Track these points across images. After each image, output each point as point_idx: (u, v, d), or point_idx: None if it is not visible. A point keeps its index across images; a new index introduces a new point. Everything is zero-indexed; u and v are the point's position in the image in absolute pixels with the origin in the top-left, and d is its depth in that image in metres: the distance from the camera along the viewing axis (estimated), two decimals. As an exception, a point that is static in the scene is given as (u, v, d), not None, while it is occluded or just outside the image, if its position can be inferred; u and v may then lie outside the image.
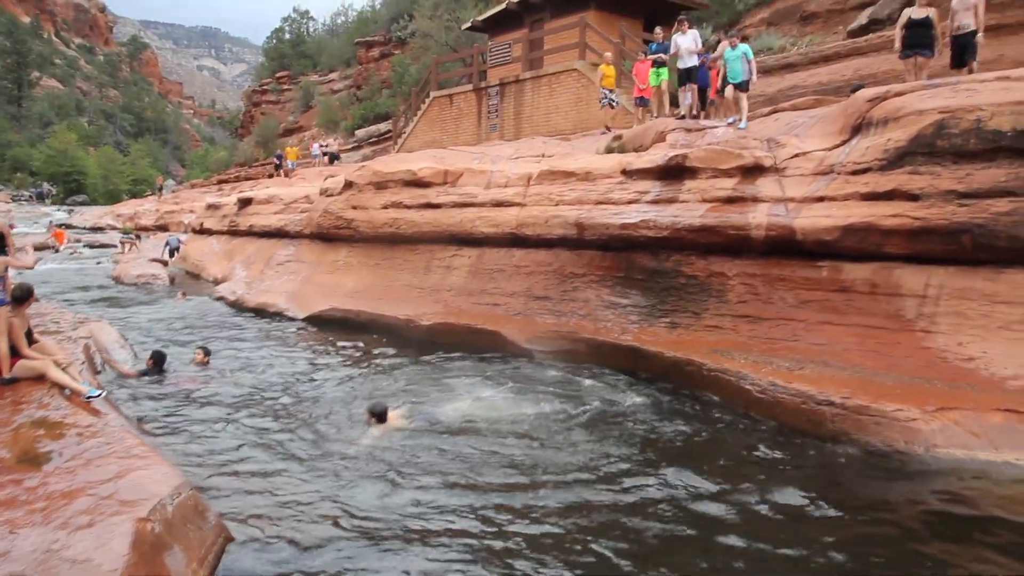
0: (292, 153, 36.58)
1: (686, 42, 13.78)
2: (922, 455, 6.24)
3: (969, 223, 7.44)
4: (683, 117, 13.74)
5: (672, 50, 14.21)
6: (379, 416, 7.46)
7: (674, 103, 16.88)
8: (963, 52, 11.41)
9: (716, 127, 12.03)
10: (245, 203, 21.67)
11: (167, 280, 20.57)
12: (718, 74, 13.51)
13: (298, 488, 6.00)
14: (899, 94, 8.88)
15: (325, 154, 33.43)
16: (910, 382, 7.16)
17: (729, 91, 12.50)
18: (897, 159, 8.16)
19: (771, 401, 7.48)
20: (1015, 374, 6.90)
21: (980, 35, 11.26)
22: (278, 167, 35.28)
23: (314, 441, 7.14)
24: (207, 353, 10.37)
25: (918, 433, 6.35)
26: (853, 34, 20.16)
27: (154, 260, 24.05)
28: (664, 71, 15.37)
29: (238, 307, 15.53)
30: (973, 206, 7.45)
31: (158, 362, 9.67)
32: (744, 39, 13.73)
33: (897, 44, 11.95)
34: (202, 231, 24.91)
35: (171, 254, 24.90)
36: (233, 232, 21.81)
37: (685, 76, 13.90)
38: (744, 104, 12.17)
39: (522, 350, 10.49)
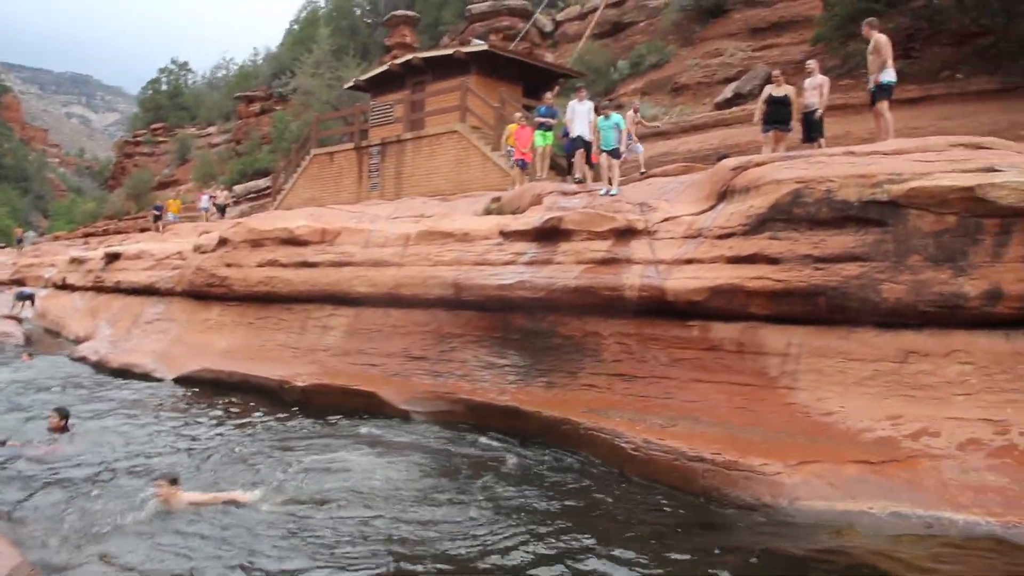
0: (174, 206, 34.84)
1: (582, 110, 14.12)
2: (786, 508, 6.44)
3: (824, 286, 7.91)
4: (581, 181, 14.01)
5: (568, 116, 14.48)
6: (171, 482, 6.84)
7: (556, 168, 17.33)
8: (811, 129, 12.35)
9: (592, 190, 12.39)
10: (113, 258, 20.69)
11: (22, 338, 19.21)
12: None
13: (144, 565, 5.60)
14: (759, 164, 9.44)
15: (216, 206, 31.83)
16: (775, 437, 7.42)
17: (602, 158, 12.92)
18: (758, 225, 8.60)
19: (645, 459, 7.59)
20: (868, 427, 7.29)
21: (820, 112, 12.24)
22: (157, 219, 33.57)
23: (163, 513, 6.63)
24: (64, 417, 9.39)
25: (782, 487, 6.58)
26: (719, 106, 21.44)
27: (7, 317, 22.47)
28: (550, 135, 15.75)
29: (101, 368, 14.65)
30: (827, 270, 7.94)
31: None
32: (617, 108, 14.30)
33: (757, 118, 12.79)
34: (64, 286, 23.57)
35: (26, 302, 23.40)
36: (99, 288, 20.72)
37: (581, 143, 14.19)
38: (616, 171, 12.60)
39: (399, 411, 10.30)
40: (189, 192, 45.11)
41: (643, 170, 15.56)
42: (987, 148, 8.67)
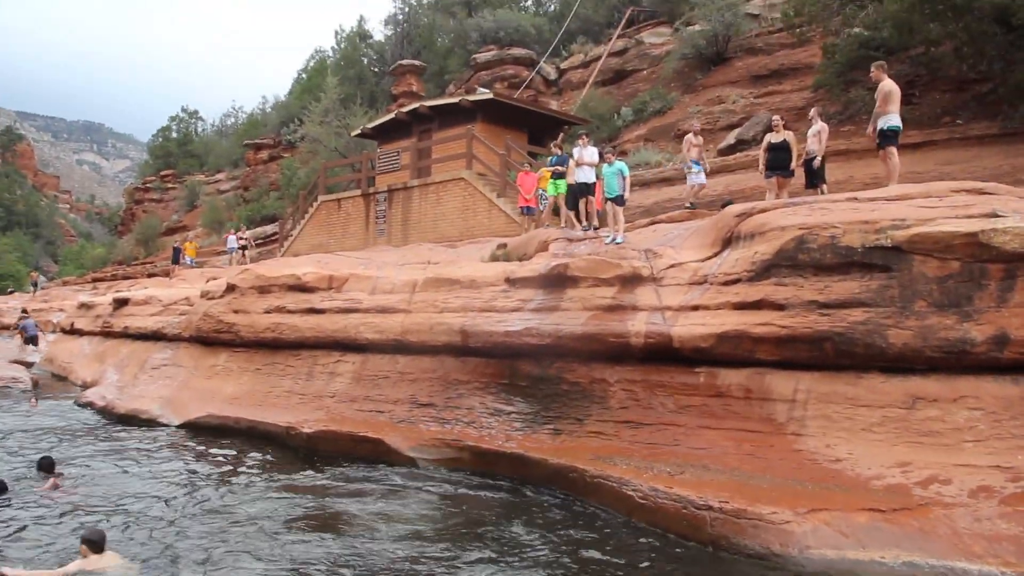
0: (191, 249, 34.69)
1: (589, 156, 14.21)
2: (796, 557, 6.35)
3: (830, 331, 7.89)
4: (588, 229, 14.06)
5: (577, 157, 14.46)
6: (94, 545, 6.32)
7: (558, 215, 17.42)
8: (812, 175, 12.48)
9: (597, 237, 12.48)
10: (121, 303, 20.79)
11: (29, 383, 19.23)
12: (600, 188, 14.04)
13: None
14: (763, 210, 9.48)
15: (241, 245, 31.52)
16: (784, 484, 7.35)
17: (607, 206, 13.03)
18: (764, 271, 8.62)
19: (653, 507, 7.52)
20: (878, 474, 7.21)
21: (818, 159, 12.38)
22: (176, 261, 33.45)
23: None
24: (43, 467, 9.49)
25: (792, 535, 6.49)
26: (723, 152, 21.65)
27: (15, 362, 22.54)
28: (562, 183, 15.84)
29: (108, 413, 14.66)
30: (833, 315, 7.92)
31: None
32: (622, 155, 14.44)
33: (760, 166, 12.93)
34: (72, 331, 23.65)
35: (32, 342, 23.48)
36: (107, 333, 20.79)
37: (586, 189, 14.28)
38: (621, 218, 12.68)
39: (406, 458, 10.27)
40: (198, 237, 45.41)
41: (689, 203, 15.49)
42: (990, 193, 8.72)
